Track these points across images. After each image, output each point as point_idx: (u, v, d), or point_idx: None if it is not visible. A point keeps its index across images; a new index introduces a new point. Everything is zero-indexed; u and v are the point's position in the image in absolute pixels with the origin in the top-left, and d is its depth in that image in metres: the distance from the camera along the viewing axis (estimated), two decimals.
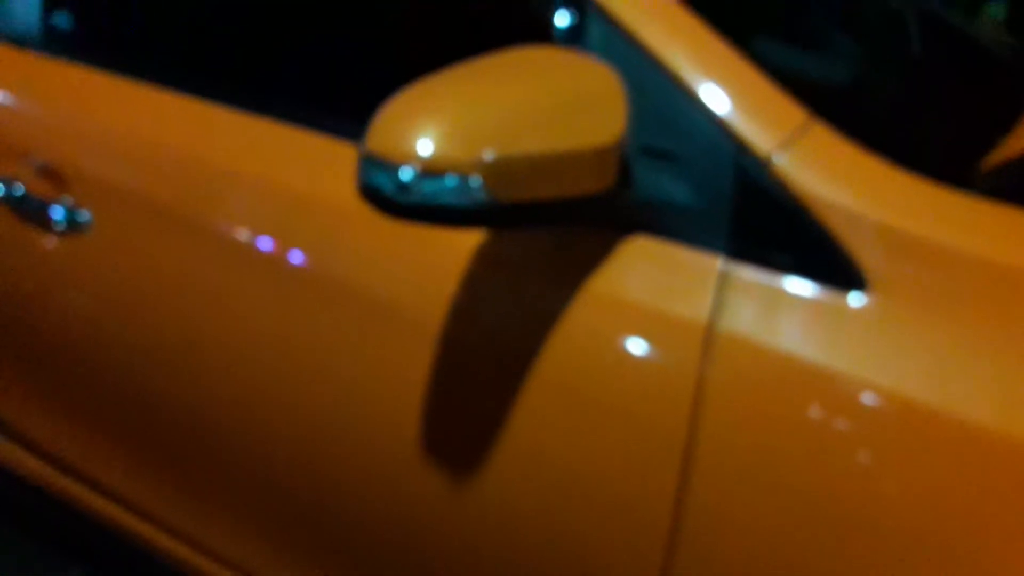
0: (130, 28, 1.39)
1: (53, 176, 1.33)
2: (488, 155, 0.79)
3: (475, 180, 0.79)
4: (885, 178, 0.89)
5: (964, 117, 1.14)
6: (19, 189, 1.36)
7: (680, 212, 0.93)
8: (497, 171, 0.80)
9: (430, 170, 0.78)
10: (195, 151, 1.22)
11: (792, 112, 0.92)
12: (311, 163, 1.14)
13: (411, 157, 0.77)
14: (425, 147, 0.77)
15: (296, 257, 1.13)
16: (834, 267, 0.87)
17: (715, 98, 0.92)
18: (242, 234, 1.17)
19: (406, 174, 0.78)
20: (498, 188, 0.81)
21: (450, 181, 0.78)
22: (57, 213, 1.32)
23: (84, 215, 1.30)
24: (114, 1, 1.42)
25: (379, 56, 1.15)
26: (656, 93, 0.94)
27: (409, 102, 0.80)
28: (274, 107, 1.17)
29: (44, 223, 1.34)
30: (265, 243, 1.15)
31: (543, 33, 1.00)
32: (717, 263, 0.91)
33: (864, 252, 0.87)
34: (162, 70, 1.28)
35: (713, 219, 0.91)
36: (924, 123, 1.10)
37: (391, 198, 0.79)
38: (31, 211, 1.35)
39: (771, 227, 0.90)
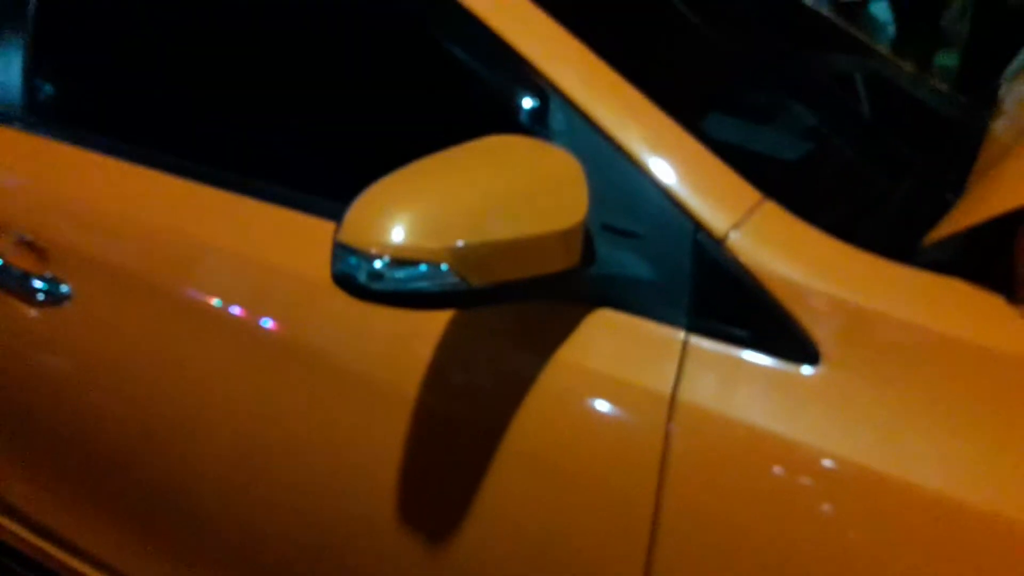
0: (109, 105, 1.42)
1: (33, 249, 1.36)
2: (457, 243, 0.83)
3: (445, 266, 0.83)
4: (835, 253, 0.94)
5: (912, 186, 1.20)
6: (2, 261, 1.38)
7: (642, 287, 0.97)
8: (466, 257, 0.84)
9: (401, 259, 0.82)
10: (171, 226, 1.26)
11: (745, 192, 0.97)
12: (285, 237, 1.17)
13: (383, 247, 0.82)
14: (396, 237, 0.82)
15: (270, 328, 1.16)
16: (788, 340, 0.92)
17: (672, 179, 0.97)
18: (217, 306, 1.20)
19: (378, 263, 0.82)
20: (468, 273, 0.85)
21: (421, 268, 0.82)
22: (37, 285, 1.34)
23: (64, 288, 1.33)
24: (93, 78, 1.45)
25: (349, 136, 1.19)
26: (616, 174, 0.99)
27: (380, 194, 0.85)
28: (249, 184, 1.21)
29: (24, 295, 1.36)
30: (240, 315, 1.18)
31: (509, 116, 1.05)
32: (679, 336, 0.95)
33: (816, 325, 0.91)
34: (140, 147, 1.32)
35: (673, 294, 0.96)
36: (873, 194, 1.16)
37: (364, 286, 0.82)
38: (11, 283, 1.37)
39: (728, 302, 0.94)
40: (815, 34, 1.82)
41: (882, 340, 0.90)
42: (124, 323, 1.29)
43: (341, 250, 0.83)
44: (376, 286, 0.82)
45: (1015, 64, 1.92)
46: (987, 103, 1.82)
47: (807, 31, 1.81)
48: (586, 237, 0.96)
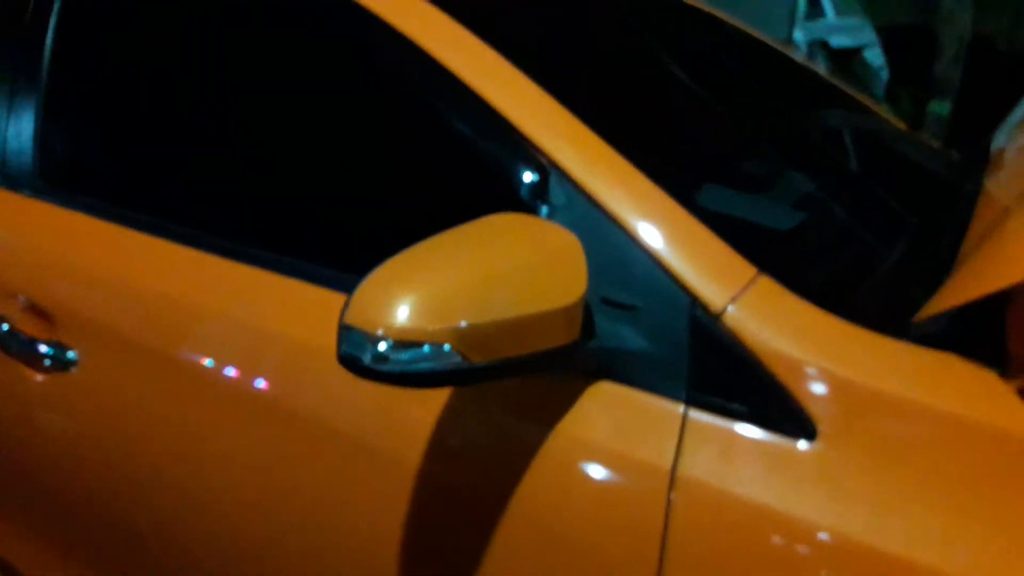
0: (117, 173, 1.45)
1: (41, 314, 1.38)
2: (459, 323, 0.86)
3: (447, 346, 0.85)
4: (830, 329, 0.96)
5: (906, 252, 1.22)
6: (6, 326, 1.40)
7: (641, 360, 0.99)
8: (468, 337, 0.86)
9: (405, 341, 0.84)
10: (177, 294, 1.28)
11: (741, 266, 0.99)
12: (287, 305, 1.19)
13: (387, 329, 0.84)
14: (399, 319, 0.84)
15: (272, 396, 1.17)
16: (785, 416, 0.94)
17: (669, 253, 0.99)
18: (221, 373, 1.21)
19: (383, 345, 0.84)
20: (470, 352, 0.87)
21: (424, 349, 0.84)
22: (44, 351, 1.36)
23: (71, 354, 1.34)
24: (101, 146, 1.48)
25: (351, 207, 1.22)
26: (614, 247, 1.01)
27: (383, 276, 0.87)
28: (253, 253, 1.23)
29: (31, 360, 1.38)
30: (242, 381, 1.20)
31: (507, 190, 1.07)
32: (677, 410, 0.97)
33: (812, 401, 0.93)
34: (147, 215, 1.34)
35: (672, 368, 0.98)
36: (866, 262, 1.18)
37: (370, 368, 0.84)
38: (18, 348, 1.39)
39: (726, 377, 0.96)
40: (805, 90, 1.86)
41: (878, 416, 0.92)
42: (129, 390, 1.30)
43: (347, 332, 0.85)
44: (381, 368, 0.85)
45: (1010, 120, 1.95)
46: (980, 159, 1.85)
47: (797, 88, 1.85)
48: (586, 311, 0.98)
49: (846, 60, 5.70)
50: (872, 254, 1.19)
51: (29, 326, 1.38)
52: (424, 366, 0.85)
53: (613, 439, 0.98)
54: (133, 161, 1.44)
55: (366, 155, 1.23)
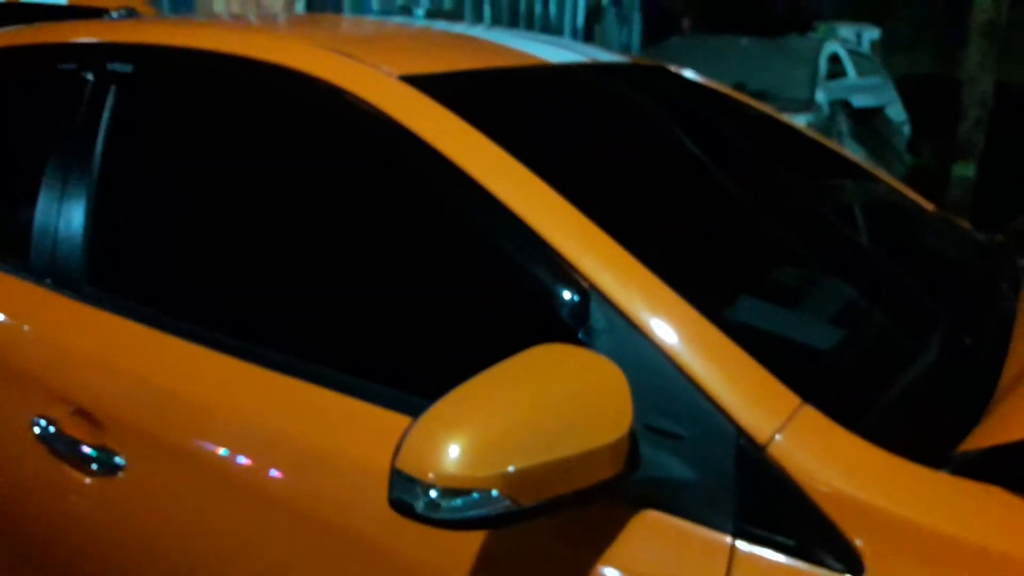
0: (165, 281, 1.48)
1: (89, 419, 1.41)
2: (508, 470, 0.88)
3: (496, 492, 0.87)
4: (876, 461, 0.97)
5: (946, 372, 1.23)
6: (54, 428, 1.43)
7: (686, 490, 1.00)
8: (516, 482, 0.88)
9: (455, 489, 0.86)
10: (222, 405, 1.30)
11: (785, 396, 1.00)
12: (340, 422, 1.21)
13: (437, 477, 0.86)
14: (449, 468, 0.86)
15: (319, 509, 1.19)
16: (832, 549, 0.94)
17: (714, 383, 1.00)
18: (268, 484, 1.23)
19: (433, 492, 0.86)
20: (518, 495, 0.89)
21: (474, 496, 0.86)
22: (92, 455, 1.38)
23: (118, 459, 1.37)
24: (150, 254, 1.52)
25: (397, 325, 1.24)
26: (657, 374, 1.03)
27: (433, 421, 0.89)
28: (305, 368, 1.25)
29: (79, 464, 1.40)
30: (290, 493, 1.21)
31: (549, 313, 1.09)
32: (725, 541, 0.98)
33: (859, 536, 0.93)
34: (195, 324, 1.37)
35: (718, 498, 0.99)
36: (906, 381, 1.19)
37: (422, 515, 0.86)
38: (67, 451, 1.41)
39: (773, 509, 0.97)
40: (836, 181, 1.87)
41: (926, 553, 0.92)
42: (175, 497, 1.32)
43: (398, 476, 0.87)
44: (433, 515, 0.87)
45: None
46: (1014, 242, 1.85)
47: (828, 179, 1.86)
48: (631, 441, 0.99)
49: (868, 119, 5.73)
50: (911, 371, 1.19)
51: (77, 430, 1.41)
52: (475, 513, 0.87)
53: (659, 570, 0.99)
54: (182, 268, 1.47)
55: (408, 275, 1.26)
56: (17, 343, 1.54)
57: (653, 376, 1.02)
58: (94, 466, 1.39)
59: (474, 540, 1.07)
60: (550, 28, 10.03)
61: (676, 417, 1.01)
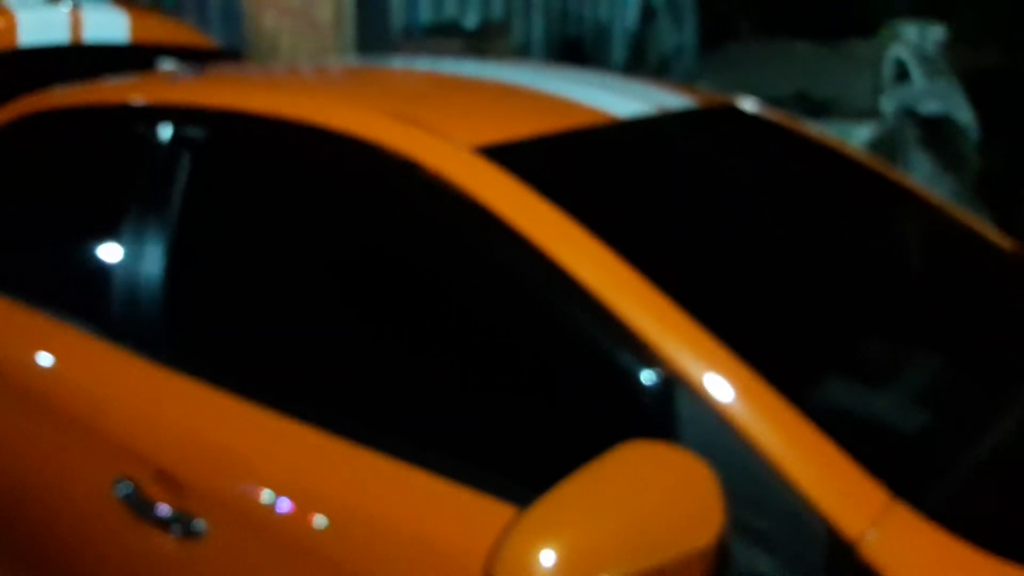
0: (243, 348, 1.51)
1: (170, 482, 1.43)
2: None
3: None
4: (973, 563, 0.94)
5: None
6: (139, 491, 1.46)
7: None
8: None
9: None
10: (299, 478, 1.31)
11: (875, 492, 0.98)
12: (419, 502, 1.21)
13: None
14: None
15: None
16: None
17: (804, 478, 0.99)
18: (346, 561, 1.24)
19: None
20: None
21: None
22: (173, 518, 1.41)
23: (199, 524, 1.39)
24: (229, 320, 1.54)
25: (484, 409, 1.24)
26: (744, 467, 1.01)
27: (528, 531, 0.89)
28: (380, 439, 1.26)
29: (160, 527, 1.43)
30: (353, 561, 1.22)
31: (636, 402, 1.08)
32: None
33: None
34: (272, 392, 1.39)
35: None
36: (996, 467, 1.15)
37: None
38: (148, 514, 1.44)
39: None
40: (913, 226, 1.81)
41: None
42: (254, 565, 1.34)
43: None
44: None
45: None
46: None
47: (905, 224, 1.81)
48: (721, 541, 0.98)
49: (936, 126, 5.58)
50: (1004, 457, 1.16)
51: (160, 493, 1.44)
52: None
53: None
54: (261, 334, 1.49)
55: (489, 357, 1.26)
56: (99, 404, 1.58)
57: (739, 468, 1.01)
58: (175, 529, 1.41)
59: None
60: (600, 31, 9.95)
61: (763, 511, 1.00)
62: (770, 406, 1.04)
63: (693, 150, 1.64)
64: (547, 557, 0.87)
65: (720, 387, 1.05)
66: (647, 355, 1.09)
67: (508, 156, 1.31)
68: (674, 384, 1.07)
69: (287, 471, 1.34)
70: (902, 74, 5.89)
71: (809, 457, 1.00)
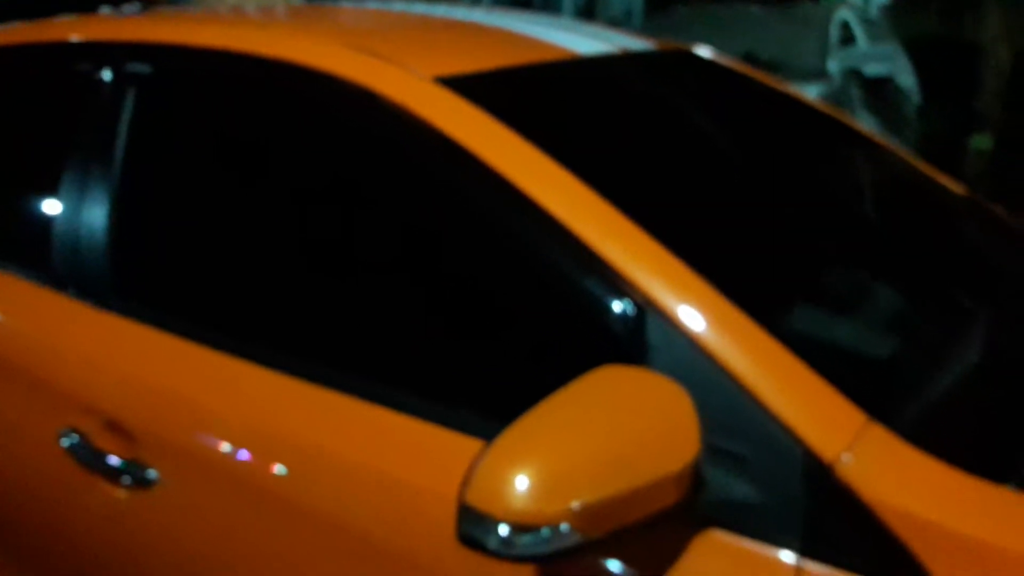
0: (194, 290, 1.45)
1: (120, 432, 1.38)
2: (577, 504, 0.85)
3: (565, 526, 0.85)
4: (947, 481, 0.94)
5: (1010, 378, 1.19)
6: (86, 441, 1.40)
7: (752, 510, 0.97)
8: (585, 515, 0.86)
9: (525, 525, 0.83)
10: (258, 420, 1.27)
11: (851, 414, 0.97)
12: (379, 438, 1.18)
13: (507, 514, 0.84)
14: (519, 505, 0.84)
15: (362, 530, 1.16)
16: (903, 572, 0.91)
17: (778, 401, 0.97)
18: (305, 501, 1.20)
19: (503, 528, 0.83)
20: (587, 528, 0.87)
21: (544, 532, 0.84)
22: (124, 468, 1.36)
23: (151, 473, 1.34)
24: (176, 259, 1.48)
25: (441, 341, 1.21)
26: (718, 392, 0.99)
27: (500, 458, 0.87)
28: (341, 380, 1.22)
29: (110, 477, 1.38)
30: (330, 513, 1.18)
31: (605, 329, 1.06)
32: (792, 562, 0.95)
33: (932, 558, 0.91)
34: (227, 335, 1.34)
35: (785, 519, 0.96)
36: (968, 388, 1.16)
37: (493, 551, 0.84)
38: (98, 464, 1.39)
39: (841, 530, 0.94)
40: (869, 168, 1.82)
41: (998, 573, 0.89)
42: (211, 513, 1.29)
43: (467, 512, 0.85)
44: (504, 552, 0.85)
45: None
46: None
47: (861, 168, 1.81)
48: (696, 465, 0.96)
49: (879, 88, 5.66)
50: (969, 379, 1.16)
51: (109, 443, 1.38)
52: (547, 548, 0.85)
53: None
54: (212, 275, 1.43)
55: (451, 289, 1.22)
56: (42, 353, 1.51)
57: (713, 393, 0.99)
58: (126, 479, 1.36)
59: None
60: None
61: (739, 436, 0.98)
62: (743, 331, 1.02)
63: (655, 86, 1.62)
64: (520, 482, 0.84)
65: (693, 314, 1.03)
66: (618, 284, 1.06)
67: (470, 87, 1.27)
68: (646, 312, 1.04)
69: (243, 414, 1.29)
70: (848, 38, 5.95)
71: (783, 380, 0.99)
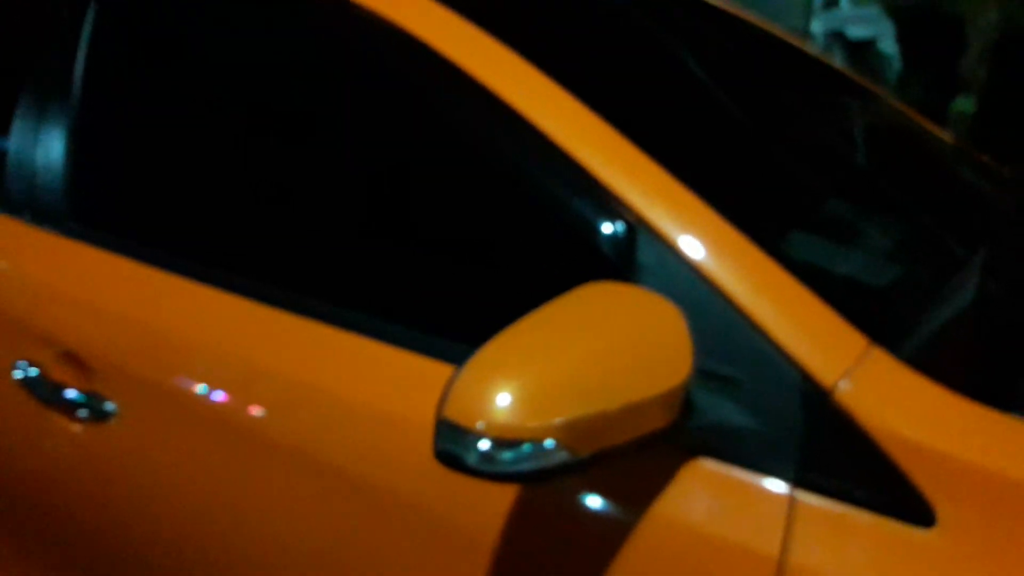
0: (157, 214, 1.37)
1: (76, 363, 1.31)
2: (563, 419, 0.79)
3: (550, 443, 0.79)
4: (948, 406, 0.89)
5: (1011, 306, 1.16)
6: (37, 373, 1.32)
7: (744, 437, 0.93)
8: (572, 432, 0.80)
9: (507, 439, 0.77)
10: (225, 346, 1.21)
11: (852, 337, 0.92)
12: (345, 361, 1.12)
13: (489, 427, 0.77)
14: (501, 417, 0.78)
15: (325, 455, 1.11)
16: (901, 500, 0.87)
17: (775, 324, 0.92)
18: (269, 430, 1.15)
19: (484, 443, 0.77)
20: (574, 445, 0.81)
21: (527, 448, 0.78)
22: (80, 401, 1.29)
23: (109, 405, 1.27)
24: (137, 183, 1.40)
25: (420, 262, 1.14)
26: (712, 314, 0.94)
27: (480, 368, 0.81)
28: (305, 304, 1.16)
29: (66, 410, 1.31)
30: (292, 439, 1.13)
31: (594, 250, 1.00)
32: (784, 491, 0.90)
33: (931, 485, 0.86)
34: (191, 260, 1.27)
35: (778, 445, 0.91)
36: (971, 317, 1.11)
37: (473, 467, 0.78)
38: (53, 397, 1.32)
39: (838, 457, 0.90)
40: (867, 115, 1.78)
41: (1003, 504, 0.85)
42: (172, 444, 1.23)
43: (444, 426, 0.79)
44: (485, 468, 0.78)
45: None
46: None
47: (858, 112, 1.77)
48: (688, 386, 0.91)
49: (862, 51, 5.62)
50: (972, 307, 1.12)
51: (65, 374, 1.31)
52: (530, 465, 0.79)
53: (713, 522, 0.92)
54: (177, 196, 1.35)
55: (434, 207, 1.16)
56: None
57: (706, 316, 0.94)
58: (82, 412, 1.29)
59: (504, 491, 0.99)
60: None
61: (732, 360, 0.93)
62: (738, 249, 0.96)
63: (645, 5, 1.54)
64: (503, 395, 0.78)
65: (686, 232, 0.97)
66: (608, 201, 1.00)
67: None
68: (638, 231, 0.98)
69: (209, 343, 1.23)
70: (832, 2, 5.90)
71: (779, 300, 0.93)
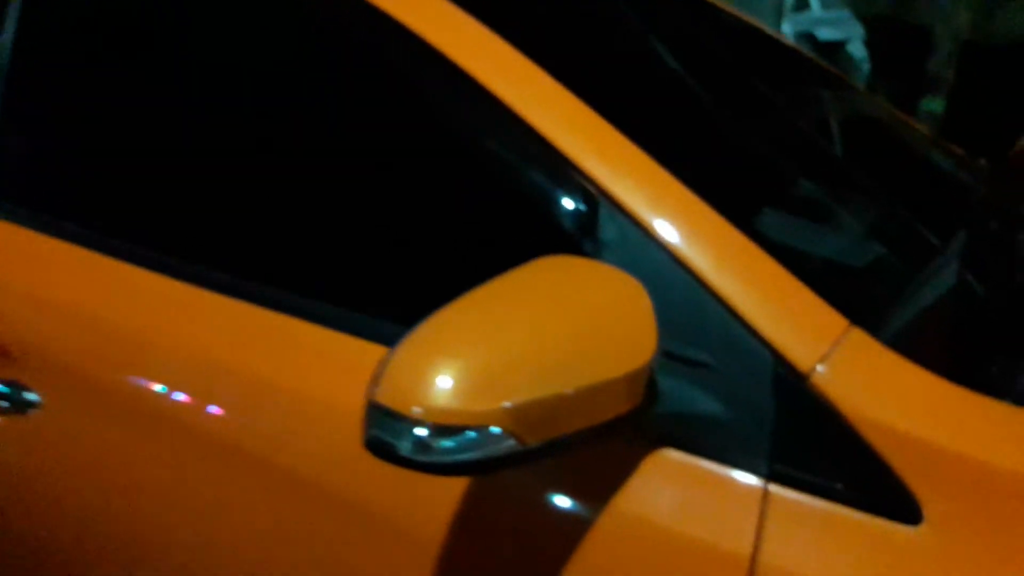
0: (84, 191, 1.27)
1: None
2: (511, 403, 0.71)
3: (496, 430, 0.70)
4: (935, 393, 0.83)
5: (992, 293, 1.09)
6: None
7: (712, 426, 0.85)
8: (521, 417, 0.72)
9: (448, 426, 0.68)
10: (152, 331, 1.12)
11: (830, 318, 0.85)
12: (284, 347, 1.04)
13: (427, 411, 0.68)
14: (440, 401, 0.69)
15: (261, 448, 1.03)
16: (885, 494, 0.80)
17: (747, 303, 0.85)
18: (201, 418, 1.06)
19: (421, 430, 0.68)
20: (523, 433, 0.72)
21: (470, 434, 0.69)
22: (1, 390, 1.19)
23: (31, 395, 1.17)
24: (65, 160, 1.30)
25: (371, 240, 1.06)
26: (678, 294, 0.86)
27: (418, 347, 0.72)
28: (245, 288, 1.07)
29: None
30: (226, 429, 1.05)
31: (553, 224, 0.92)
32: (757, 485, 0.83)
33: (916, 478, 0.79)
34: (118, 239, 1.18)
35: (750, 436, 0.84)
36: (955, 300, 1.05)
37: (407, 457, 0.69)
38: None
39: (815, 448, 0.83)
40: (846, 104, 1.72)
41: (993, 497, 0.79)
42: (97, 437, 1.14)
43: (376, 412, 0.70)
44: (422, 458, 0.69)
45: None
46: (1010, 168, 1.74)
47: (834, 99, 1.71)
48: (651, 369, 0.83)
49: (831, 53, 5.62)
50: (961, 290, 1.05)
51: None
52: (473, 455, 0.70)
53: (679, 519, 0.84)
54: (109, 172, 1.25)
55: (388, 180, 1.07)
56: None
57: (672, 295, 0.86)
58: (2, 403, 1.19)
59: (452, 485, 0.90)
60: None
61: (701, 342, 0.85)
62: (710, 225, 0.89)
63: None
64: (443, 376, 0.69)
65: (651, 205, 0.89)
66: (568, 171, 0.92)
67: None
68: (599, 203, 0.91)
69: (137, 328, 1.13)
70: (803, 3, 5.90)
71: (751, 278, 0.86)
